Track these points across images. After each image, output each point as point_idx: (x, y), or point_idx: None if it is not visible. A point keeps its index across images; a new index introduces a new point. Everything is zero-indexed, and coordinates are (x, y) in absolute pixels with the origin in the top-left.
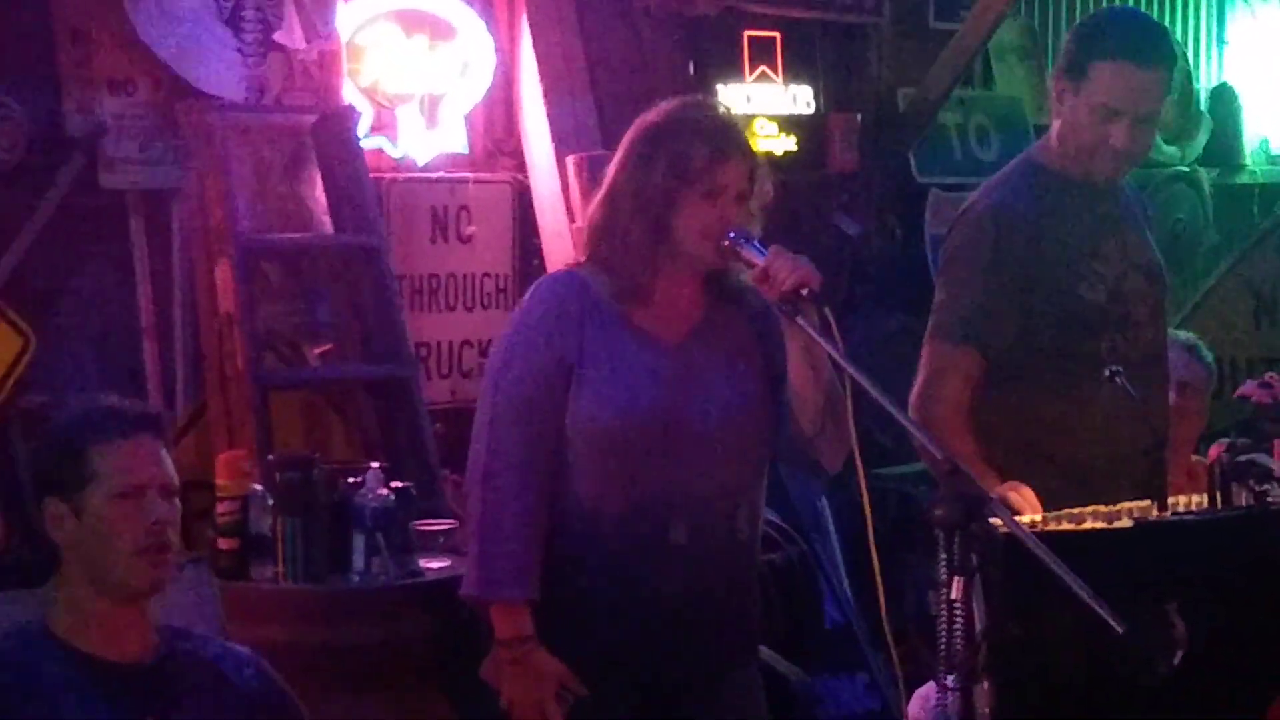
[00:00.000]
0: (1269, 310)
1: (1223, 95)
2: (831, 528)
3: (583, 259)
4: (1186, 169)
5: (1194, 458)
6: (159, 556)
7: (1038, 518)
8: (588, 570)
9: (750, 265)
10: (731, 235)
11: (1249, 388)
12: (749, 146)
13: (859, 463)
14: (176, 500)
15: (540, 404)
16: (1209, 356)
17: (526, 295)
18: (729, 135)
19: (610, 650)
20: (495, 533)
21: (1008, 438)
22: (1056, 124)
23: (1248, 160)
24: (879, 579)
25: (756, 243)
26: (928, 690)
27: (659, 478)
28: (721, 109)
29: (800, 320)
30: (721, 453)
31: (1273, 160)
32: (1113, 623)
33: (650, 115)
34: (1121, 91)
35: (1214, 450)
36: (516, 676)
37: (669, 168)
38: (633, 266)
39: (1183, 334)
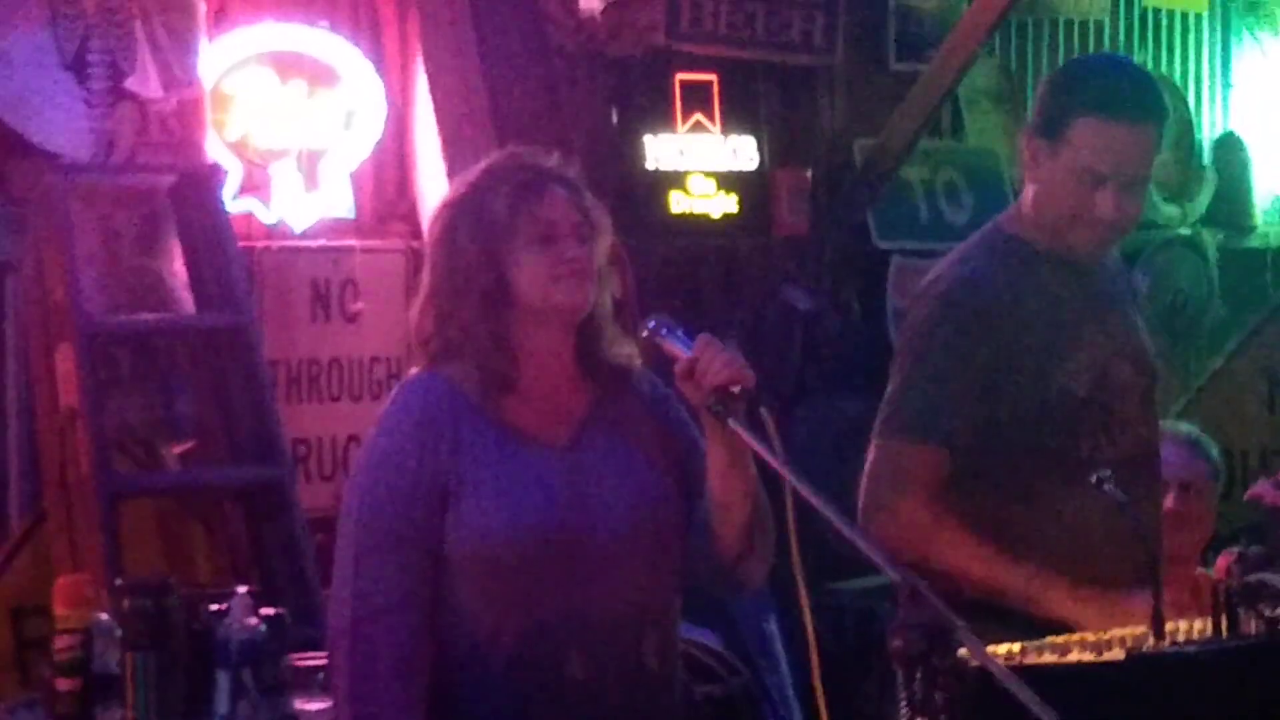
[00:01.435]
0: None
1: (1228, 145)
2: (781, 654)
3: (426, 366)
4: (1188, 231)
5: (1198, 570)
6: None
7: (1015, 648)
8: (475, 715)
9: (674, 359)
10: (651, 324)
11: (1262, 488)
12: (569, 179)
13: (801, 581)
14: None
15: (414, 532)
16: (1215, 452)
17: (386, 407)
18: (534, 170)
19: None
20: (369, 691)
21: None
22: (1030, 189)
23: (1258, 220)
24: (825, 716)
25: (681, 333)
26: None
27: (555, 603)
28: (530, 152)
29: (733, 424)
30: (625, 569)
31: None
32: None
33: (445, 195)
34: (1107, 152)
35: (1221, 561)
36: None
37: (473, 228)
38: (480, 347)
39: (1185, 426)
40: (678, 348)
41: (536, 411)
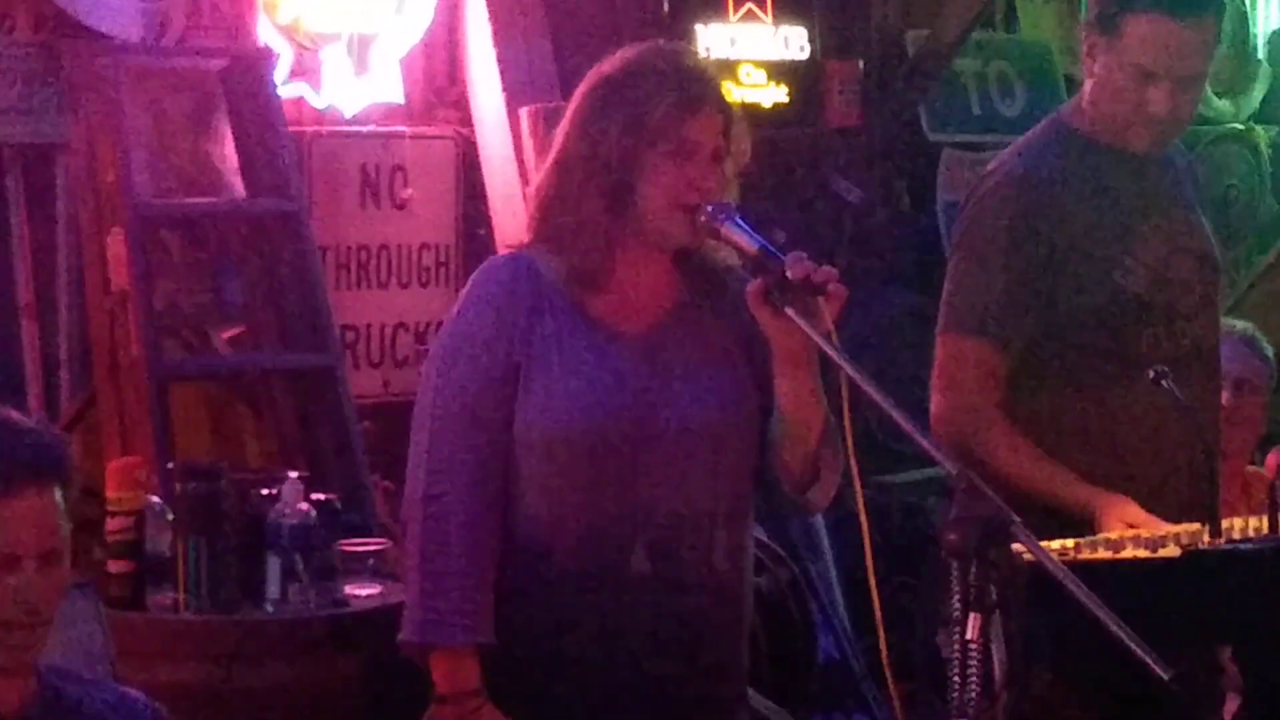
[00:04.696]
0: None
1: None
2: (827, 547)
3: (529, 237)
4: (1241, 126)
5: (1249, 468)
6: (22, 633)
7: (1069, 543)
8: (541, 608)
9: (730, 244)
10: (709, 209)
11: None
12: (723, 98)
13: (856, 473)
14: (64, 562)
15: (488, 412)
16: (1269, 350)
17: (468, 285)
18: (699, 84)
19: (569, 706)
20: (439, 566)
21: None
22: (1088, 84)
23: None
24: (878, 609)
25: (739, 219)
26: None
27: (621, 495)
28: (691, 54)
29: (791, 312)
30: (695, 465)
31: None
32: (1157, 668)
33: (606, 64)
34: (1159, 51)
35: (1272, 459)
36: None
37: (626, 123)
38: (587, 244)
39: (1239, 324)
40: (735, 233)
41: (619, 302)
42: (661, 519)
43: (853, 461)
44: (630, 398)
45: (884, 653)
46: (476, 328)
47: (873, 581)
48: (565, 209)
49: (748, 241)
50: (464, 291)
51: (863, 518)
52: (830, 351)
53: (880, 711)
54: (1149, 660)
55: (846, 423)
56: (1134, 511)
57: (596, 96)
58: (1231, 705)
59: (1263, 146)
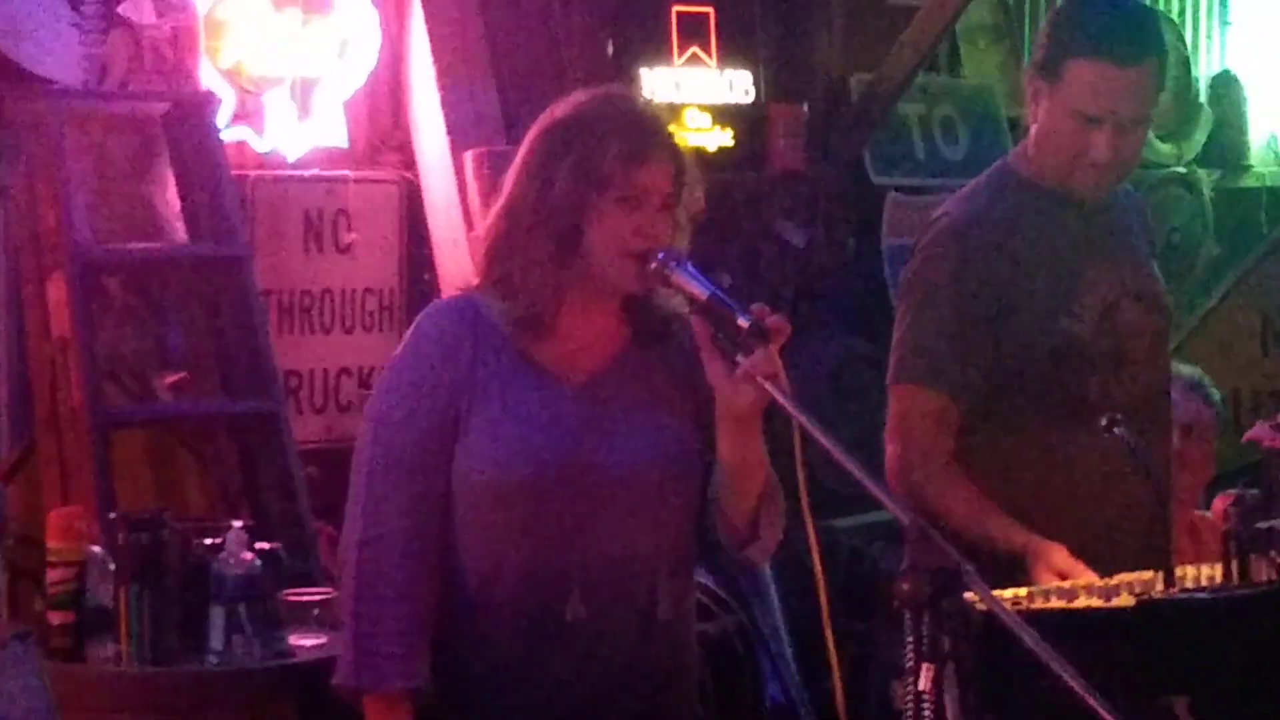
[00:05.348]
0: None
1: (1225, 84)
2: (774, 592)
3: (477, 280)
4: (1183, 170)
5: (1197, 512)
6: None
7: (1022, 593)
8: (476, 655)
9: (681, 292)
10: (660, 256)
11: (1260, 430)
12: (675, 145)
13: (808, 517)
14: None
15: (427, 457)
16: (1216, 395)
17: (412, 328)
18: (649, 131)
19: None
20: (374, 610)
21: None
22: (1033, 128)
23: (1253, 160)
24: (834, 658)
25: (690, 266)
26: None
27: (560, 542)
28: (643, 101)
29: (741, 359)
30: (634, 513)
31: None
32: None
33: (557, 109)
34: (1099, 95)
35: (1218, 503)
36: None
37: (575, 170)
38: (535, 289)
39: (1186, 368)
40: (686, 281)
41: (565, 348)
42: (601, 566)
43: (806, 509)
44: (572, 444)
45: (839, 697)
46: (418, 371)
47: (827, 629)
48: (513, 254)
49: (698, 289)
50: (408, 334)
51: (817, 567)
52: (780, 398)
53: None
54: (1101, 711)
55: (799, 469)
56: (1065, 559)
57: (546, 141)
58: None
59: (1205, 190)
